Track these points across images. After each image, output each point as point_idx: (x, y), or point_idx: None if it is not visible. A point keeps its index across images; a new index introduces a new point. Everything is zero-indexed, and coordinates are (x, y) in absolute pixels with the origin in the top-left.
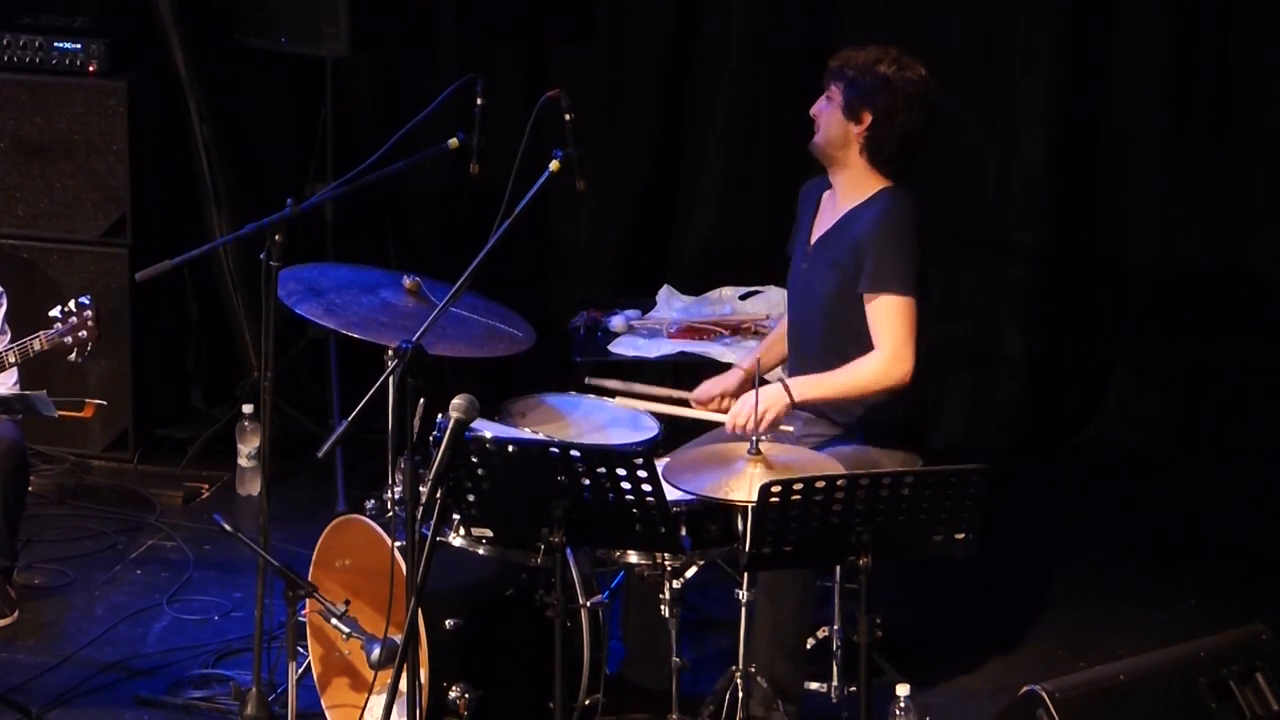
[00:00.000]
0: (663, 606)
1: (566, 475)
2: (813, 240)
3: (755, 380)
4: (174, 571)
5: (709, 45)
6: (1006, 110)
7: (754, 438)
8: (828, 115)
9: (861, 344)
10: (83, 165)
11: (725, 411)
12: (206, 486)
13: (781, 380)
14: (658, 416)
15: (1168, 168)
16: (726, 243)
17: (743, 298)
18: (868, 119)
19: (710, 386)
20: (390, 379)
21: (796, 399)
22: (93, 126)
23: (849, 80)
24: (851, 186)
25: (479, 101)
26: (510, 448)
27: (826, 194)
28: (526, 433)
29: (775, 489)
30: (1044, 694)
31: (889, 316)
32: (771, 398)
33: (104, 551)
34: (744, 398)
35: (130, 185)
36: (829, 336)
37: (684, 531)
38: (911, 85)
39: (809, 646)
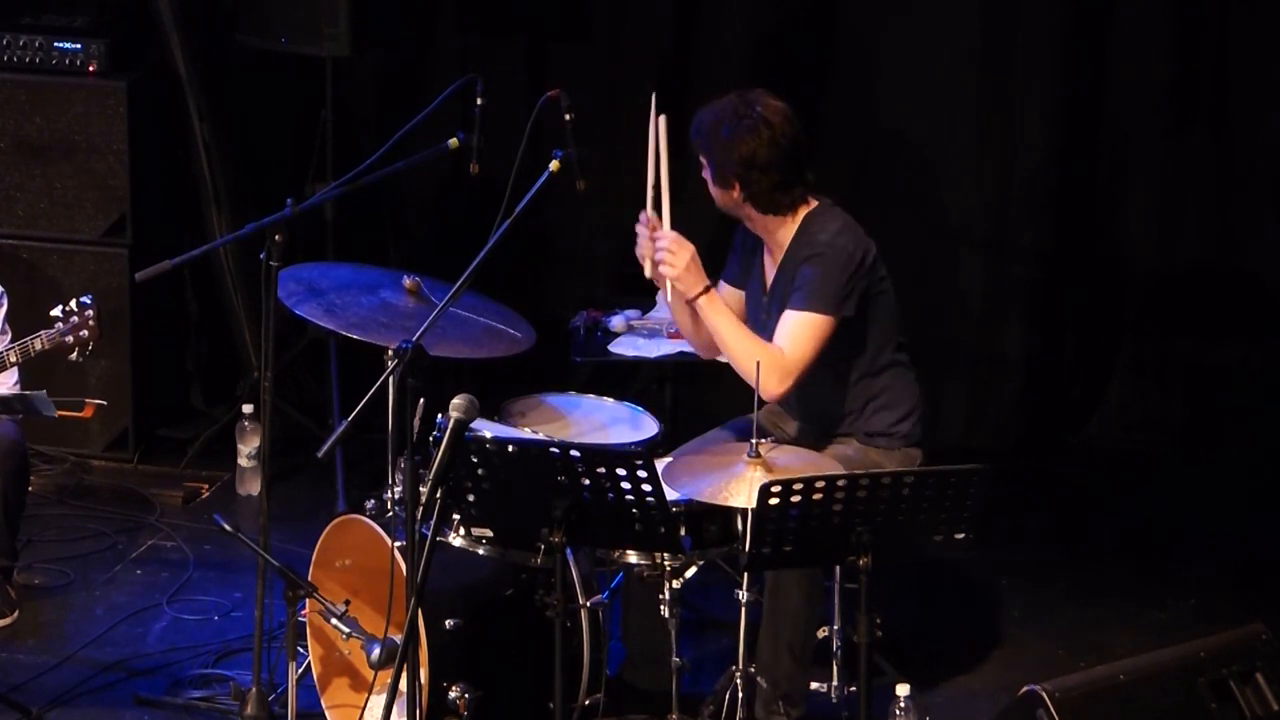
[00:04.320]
0: (663, 607)
1: (566, 475)
2: (767, 288)
3: (755, 402)
4: (174, 571)
5: (709, 45)
6: (1006, 110)
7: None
8: (710, 186)
9: (829, 378)
10: (83, 165)
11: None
12: (206, 486)
13: (709, 285)
14: (659, 417)
15: (1168, 167)
16: (726, 243)
17: None
18: (736, 185)
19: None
20: (390, 379)
21: (700, 303)
22: (93, 126)
23: (704, 150)
24: (772, 234)
25: (479, 101)
26: (510, 448)
27: (764, 238)
28: (526, 433)
29: (775, 489)
30: (1044, 694)
31: (792, 332)
32: (692, 276)
33: (104, 551)
34: (680, 248)
35: (130, 185)
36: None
37: (684, 531)
38: (760, 139)
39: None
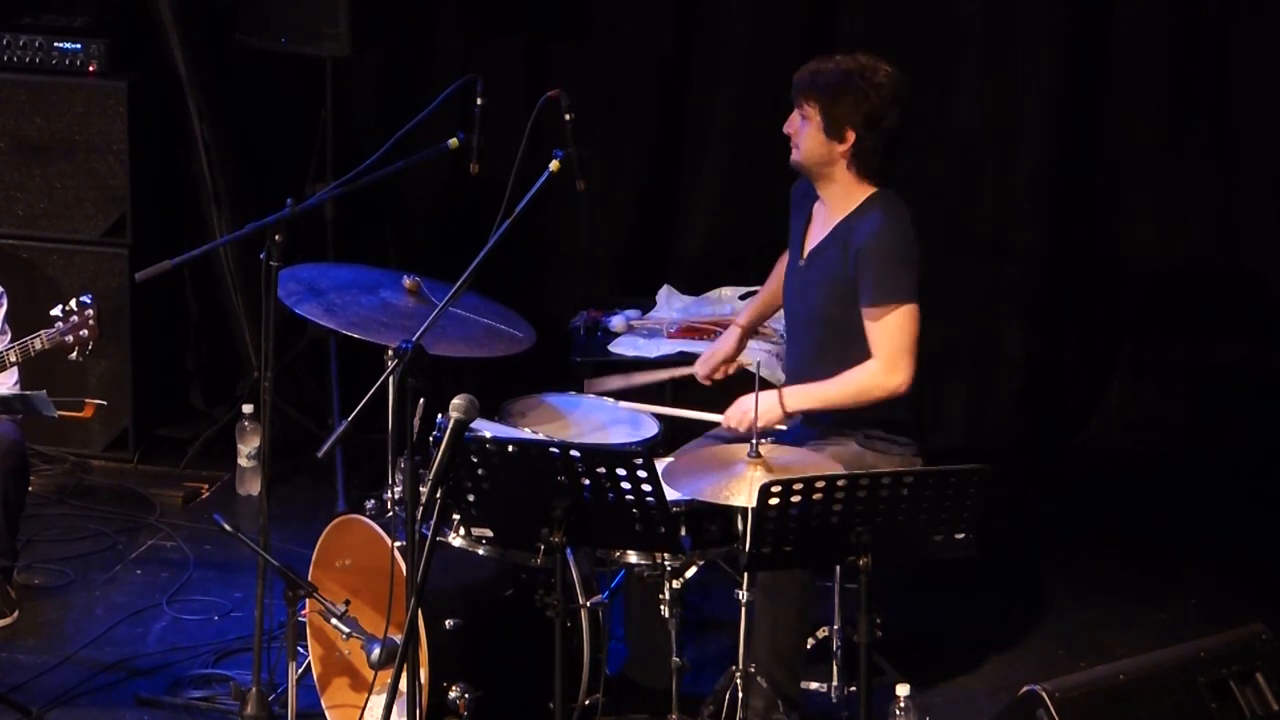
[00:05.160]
0: (663, 606)
1: (566, 475)
2: (806, 252)
3: (755, 401)
4: (174, 571)
5: (709, 45)
6: (1007, 110)
7: (752, 439)
8: (807, 135)
9: (855, 350)
10: (83, 165)
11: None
12: (206, 486)
13: (778, 390)
14: (658, 416)
15: (1168, 168)
16: (726, 243)
17: (742, 298)
18: (851, 136)
19: (710, 357)
20: (390, 379)
21: (789, 409)
22: (93, 126)
23: (824, 98)
24: (840, 198)
25: (479, 101)
26: (510, 448)
27: (817, 205)
28: (526, 433)
29: (775, 489)
30: (1044, 694)
31: (889, 329)
32: (765, 406)
33: (104, 551)
34: (739, 401)
35: (130, 185)
36: (823, 345)
37: (684, 531)
38: (885, 90)
39: (809, 646)
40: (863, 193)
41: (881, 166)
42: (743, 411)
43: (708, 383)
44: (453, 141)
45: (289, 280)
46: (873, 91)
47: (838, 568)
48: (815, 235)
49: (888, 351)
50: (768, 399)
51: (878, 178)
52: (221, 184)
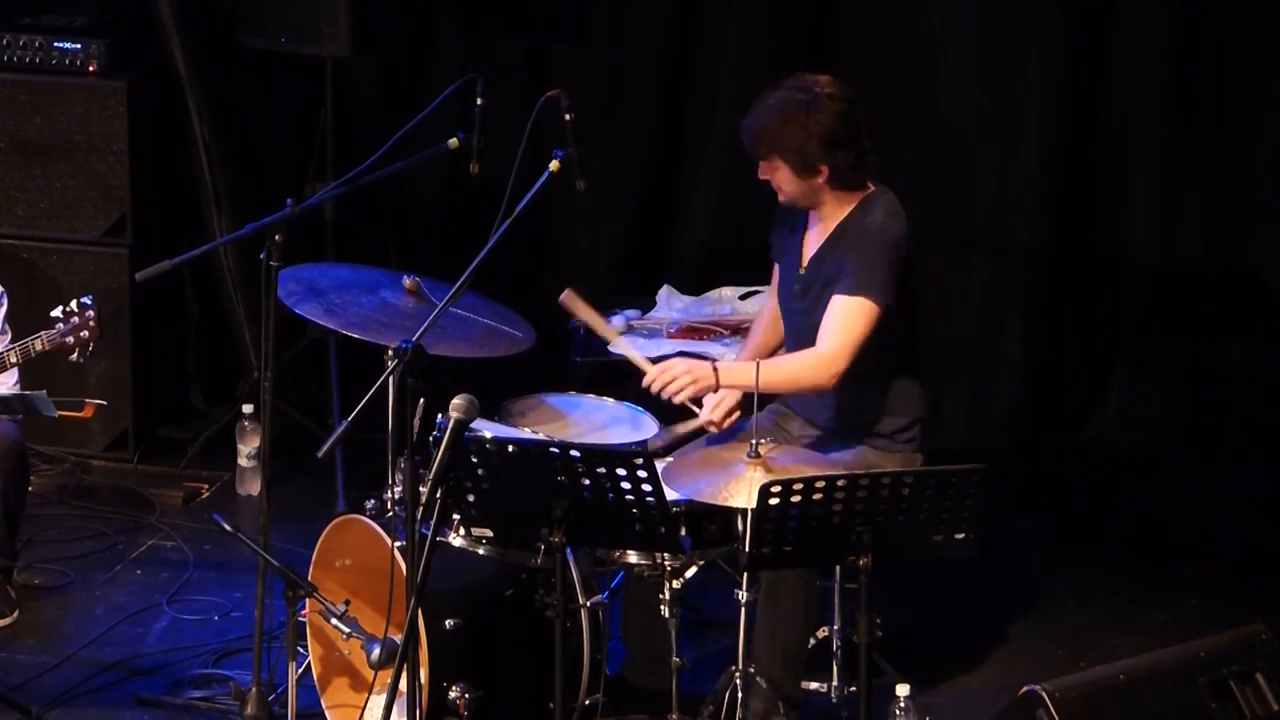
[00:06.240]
0: (663, 606)
1: (566, 475)
2: (804, 264)
3: (754, 402)
4: (174, 571)
5: (709, 45)
6: (1007, 110)
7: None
8: (784, 181)
9: (865, 360)
10: (83, 165)
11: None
12: (206, 486)
13: (713, 363)
14: (660, 417)
15: (1168, 168)
16: (726, 243)
17: (743, 298)
18: (824, 169)
19: (719, 406)
20: (390, 379)
21: (722, 383)
22: (93, 126)
23: (782, 149)
24: (833, 210)
25: (479, 101)
26: (510, 448)
27: (812, 214)
28: (526, 433)
29: (775, 489)
30: (1044, 694)
31: (843, 318)
32: (700, 374)
33: (104, 551)
34: (671, 363)
35: (130, 185)
36: None
37: (684, 531)
38: (830, 105)
39: (809, 647)
40: (853, 198)
41: (861, 177)
42: (672, 376)
43: (723, 427)
44: (453, 141)
45: (289, 280)
46: (823, 116)
47: (838, 568)
48: (813, 242)
49: (833, 342)
50: (703, 369)
51: (859, 185)
52: (221, 184)
